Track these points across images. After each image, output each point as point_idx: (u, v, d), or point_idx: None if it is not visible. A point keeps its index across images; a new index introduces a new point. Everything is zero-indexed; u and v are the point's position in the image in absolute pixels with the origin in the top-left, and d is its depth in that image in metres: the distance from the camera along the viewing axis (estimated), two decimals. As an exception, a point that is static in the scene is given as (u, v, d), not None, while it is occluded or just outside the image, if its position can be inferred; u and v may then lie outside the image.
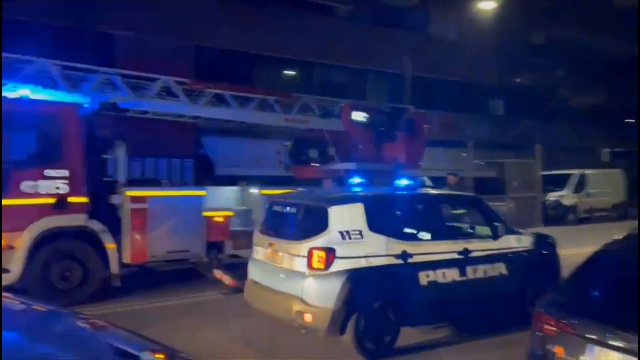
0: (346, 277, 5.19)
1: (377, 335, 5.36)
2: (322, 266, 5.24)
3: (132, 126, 12.02)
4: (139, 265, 8.06)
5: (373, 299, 5.40)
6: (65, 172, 7.31)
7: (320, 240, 5.34)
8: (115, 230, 7.72)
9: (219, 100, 9.66)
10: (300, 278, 5.36)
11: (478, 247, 6.07)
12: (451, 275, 5.78)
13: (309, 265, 5.30)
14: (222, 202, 8.99)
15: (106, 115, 8.35)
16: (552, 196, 19.40)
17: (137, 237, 7.73)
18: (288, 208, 6.18)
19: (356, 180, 6.67)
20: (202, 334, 6.12)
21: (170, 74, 9.29)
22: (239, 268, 8.93)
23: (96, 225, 7.53)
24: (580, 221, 19.19)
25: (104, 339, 1.81)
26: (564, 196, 19.53)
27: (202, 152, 17.04)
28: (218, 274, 8.26)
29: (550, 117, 25.80)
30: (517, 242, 6.51)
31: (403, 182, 6.40)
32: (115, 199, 7.89)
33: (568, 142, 26.87)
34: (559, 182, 19.90)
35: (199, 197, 8.42)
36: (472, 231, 6.55)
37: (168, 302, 7.53)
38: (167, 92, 9.17)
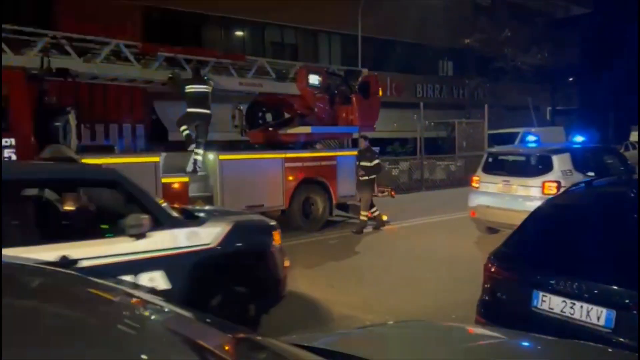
0: None
1: None
2: (553, 192, 7.84)
3: (80, 91, 11.66)
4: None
5: None
6: (12, 141, 7.07)
7: (550, 176, 8.42)
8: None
9: (171, 64, 9.42)
10: (535, 200, 7.46)
11: None
12: None
13: (542, 192, 8.18)
14: (177, 168, 8.91)
15: (54, 80, 8.03)
16: (498, 154, 20.19)
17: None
18: (515, 157, 9.50)
19: (532, 138, 10.01)
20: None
21: (115, 36, 8.96)
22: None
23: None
24: (524, 177, 20.11)
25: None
26: (510, 154, 20.36)
27: (154, 117, 16.64)
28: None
29: (497, 77, 26.54)
30: None
31: (579, 139, 10.13)
32: (68, 168, 7.72)
33: (514, 101, 27.82)
34: (504, 141, 20.64)
35: (153, 163, 8.32)
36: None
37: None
38: (117, 56, 8.86)
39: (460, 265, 7.05)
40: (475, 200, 9.42)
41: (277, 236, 5.11)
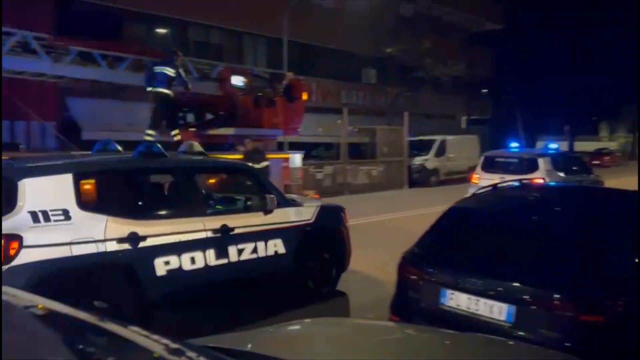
0: None
1: None
2: None
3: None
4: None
5: None
6: None
7: (537, 174, 10.41)
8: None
9: (86, 58, 8.97)
10: None
11: None
12: None
13: None
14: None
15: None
16: (418, 160, 20.96)
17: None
18: (508, 159, 12.10)
19: (514, 144, 12.66)
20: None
21: (26, 28, 8.40)
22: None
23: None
24: (441, 183, 21.02)
25: None
26: (428, 160, 21.19)
27: (67, 115, 15.73)
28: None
29: (416, 86, 27.57)
30: None
31: (553, 146, 12.91)
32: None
33: (432, 110, 29.04)
34: (423, 147, 21.48)
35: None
36: None
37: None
38: (24, 49, 8.29)
39: (382, 266, 7.21)
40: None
41: (346, 216, 6.31)
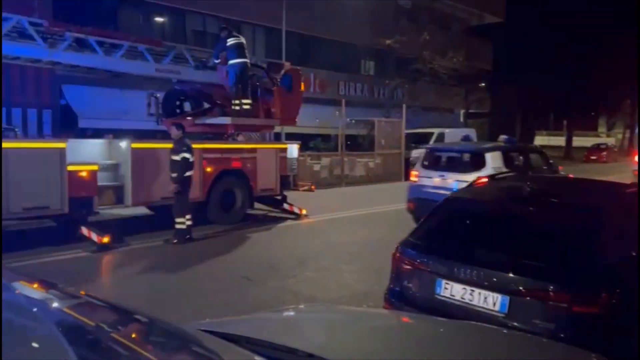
0: None
1: None
2: None
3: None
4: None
5: None
6: None
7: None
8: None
9: (82, 45, 8.87)
10: None
11: None
12: None
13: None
14: (87, 156, 8.42)
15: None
16: (415, 153, 20.93)
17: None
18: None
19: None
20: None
21: (21, 13, 8.31)
22: (107, 224, 8.58)
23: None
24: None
25: None
26: (425, 153, 21.15)
27: (63, 102, 15.62)
28: (85, 231, 7.85)
29: (414, 78, 27.47)
30: None
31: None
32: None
33: (430, 102, 28.97)
34: (421, 140, 21.43)
35: (59, 149, 7.78)
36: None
37: (26, 261, 7.01)
38: (20, 35, 8.20)
39: (377, 257, 7.22)
40: None
41: None
